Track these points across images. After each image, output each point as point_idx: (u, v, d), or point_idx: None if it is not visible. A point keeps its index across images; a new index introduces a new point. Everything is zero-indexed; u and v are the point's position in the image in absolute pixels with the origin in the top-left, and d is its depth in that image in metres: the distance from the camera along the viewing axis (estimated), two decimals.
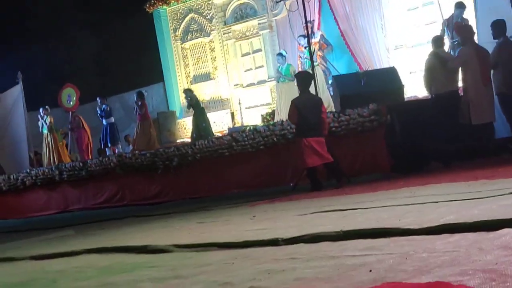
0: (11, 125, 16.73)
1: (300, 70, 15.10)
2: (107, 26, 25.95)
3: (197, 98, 16.47)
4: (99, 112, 17.13)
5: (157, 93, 20.53)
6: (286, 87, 15.61)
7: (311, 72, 11.01)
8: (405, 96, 12.10)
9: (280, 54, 15.84)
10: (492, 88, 9.92)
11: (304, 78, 9.56)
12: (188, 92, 16.58)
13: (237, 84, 18.67)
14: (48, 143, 16.76)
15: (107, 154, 16.20)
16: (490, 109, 9.87)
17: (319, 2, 16.28)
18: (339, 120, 10.41)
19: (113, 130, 17.02)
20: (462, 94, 10.35)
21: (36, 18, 26.96)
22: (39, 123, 16.98)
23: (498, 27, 9.91)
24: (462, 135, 9.95)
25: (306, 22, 12.51)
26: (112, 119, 17.15)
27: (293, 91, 15.83)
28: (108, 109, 17.11)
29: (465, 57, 9.97)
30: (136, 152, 13.68)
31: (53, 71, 25.42)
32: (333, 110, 12.22)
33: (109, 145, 16.90)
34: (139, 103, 16.08)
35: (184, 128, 19.12)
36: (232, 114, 18.44)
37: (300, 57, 15.43)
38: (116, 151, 16.53)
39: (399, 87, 11.19)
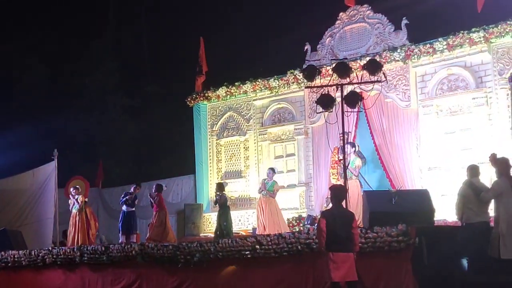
0: (40, 200, 16.86)
1: (336, 179, 15.24)
2: (148, 113, 26.52)
3: (226, 198, 16.45)
4: (125, 198, 16.94)
5: (187, 185, 20.67)
6: (267, 201, 15.74)
7: (343, 185, 11.01)
8: (435, 219, 12.01)
9: (272, 169, 16.13)
10: None
11: (337, 192, 9.54)
12: (220, 189, 16.55)
13: None
14: (76, 222, 16.78)
15: (120, 241, 16.17)
16: None
17: (357, 115, 16.47)
18: (366, 236, 10.33)
19: (132, 219, 16.89)
20: (492, 225, 10.23)
21: (79, 98, 27.66)
22: (70, 201, 17.03)
23: None
24: (491, 268, 9.77)
25: (343, 134, 12.64)
26: (133, 208, 17.02)
27: (273, 205, 15.93)
28: (136, 200, 17.05)
29: (500, 189, 9.91)
30: (159, 243, 13.68)
31: (89, 150, 25.84)
32: (360, 225, 12.15)
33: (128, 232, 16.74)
34: (155, 196, 16.22)
35: (209, 222, 19.14)
36: None
37: (336, 167, 15.45)
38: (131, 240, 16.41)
39: (430, 211, 11.11)
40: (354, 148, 15.23)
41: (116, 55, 28.71)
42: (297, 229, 15.73)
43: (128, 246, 13.56)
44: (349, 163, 14.61)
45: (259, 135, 19.27)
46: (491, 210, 10.35)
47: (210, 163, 20.19)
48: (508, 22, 14.81)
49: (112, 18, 29.86)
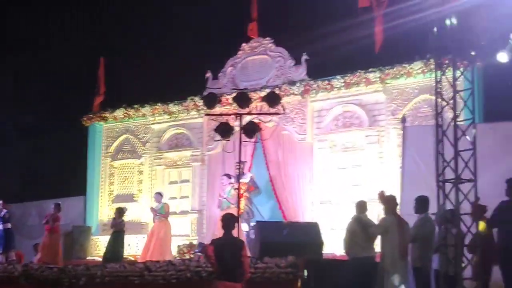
0: None
1: (219, 208, 15.28)
2: (40, 130, 25.69)
3: (123, 225, 16.08)
4: None
5: (77, 206, 20.07)
6: (160, 224, 15.65)
7: (234, 214, 11.01)
8: (324, 252, 12.24)
9: (159, 193, 16.16)
10: (408, 260, 10.11)
11: (228, 221, 9.51)
12: (119, 214, 16.16)
13: None
14: None
15: None
16: (404, 281, 10.01)
17: (254, 144, 16.63)
18: (256, 266, 10.37)
19: (9, 236, 16.32)
20: (378, 261, 10.50)
21: None
22: None
23: (421, 202, 10.27)
24: None
25: (239, 163, 12.73)
26: (9, 225, 16.39)
27: (166, 227, 15.84)
28: (7, 215, 16.45)
29: (386, 226, 10.20)
30: (43, 265, 13.23)
31: None
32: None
33: (1, 251, 16.10)
34: (55, 215, 15.79)
35: (97, 246, 18.68)
36: None
37: (220, 195, 15.50)
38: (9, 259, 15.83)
39: (319, 244, 11.33)
40: (230, 180, 15.25)
41: (7, 69, 27.69)
42: (188, 257, 15.61)
43: (10, 266, 13.03)
44: (226, 193, 14.83)
45: (155, 159, 19.11)
46: (377, 246, 10.64)
47: (102, 185, 19.83)
48: (403, 65, 15.40)
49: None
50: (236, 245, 9.24)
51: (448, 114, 10.08)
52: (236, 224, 9.66)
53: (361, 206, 10.89)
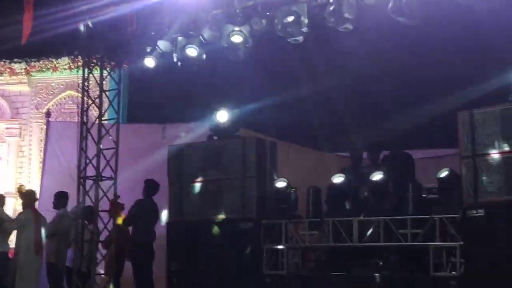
0: None
1: None
2: None
3: None
4: None
5: None
6: None
7: None
8: None
9: None
10: (42, 256, 10.01)
11: None
12: None
13: None
14: None
15: None
16: (37, 277, 9.90)
17: None
18: None
19: None
20: (12, 256, 10.21)
21: None
22: None
23: (59, 198, 10.28)
24: None
25: None
26: None
27: None
28: None
29: (23, 221, 9.98)
30: None
31: None
32: None
33: None
34: None
35: None
36: None
37: None
38: None
39: None
40: None
41: None
42: None
43: None
44: None
45: None
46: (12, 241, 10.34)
47: None
48: (51, 59, 15.19)
49: None
50: None
51: (94, 113, 10.25)
52: None
53: None
